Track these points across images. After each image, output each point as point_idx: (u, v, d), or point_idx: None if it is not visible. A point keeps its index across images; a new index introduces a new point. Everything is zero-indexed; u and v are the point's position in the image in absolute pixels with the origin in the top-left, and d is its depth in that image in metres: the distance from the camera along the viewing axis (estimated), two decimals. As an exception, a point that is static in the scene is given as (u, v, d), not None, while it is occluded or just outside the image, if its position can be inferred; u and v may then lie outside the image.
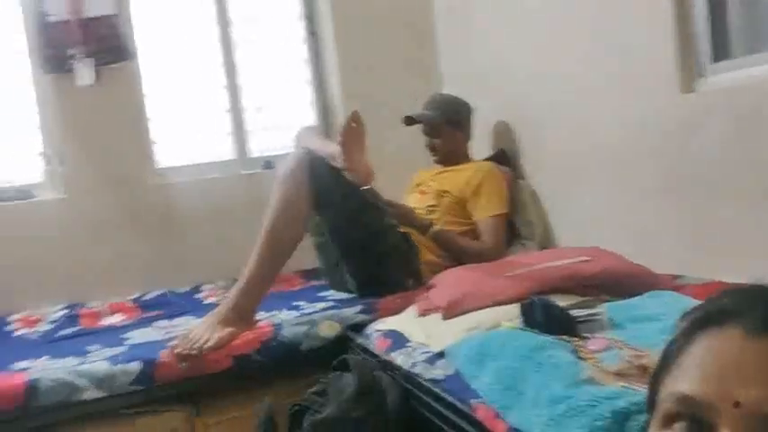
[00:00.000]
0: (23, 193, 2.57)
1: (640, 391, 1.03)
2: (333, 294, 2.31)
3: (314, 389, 1.68)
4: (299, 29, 3.02)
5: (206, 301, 2.49)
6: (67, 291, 2.51)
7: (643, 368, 1.12)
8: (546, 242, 2.47)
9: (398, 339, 1.73)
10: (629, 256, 1.84)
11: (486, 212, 2.36)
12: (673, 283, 1.77)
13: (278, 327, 1.94)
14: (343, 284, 2.29)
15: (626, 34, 2.00)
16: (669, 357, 0.55)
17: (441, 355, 1.51)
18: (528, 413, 1.09)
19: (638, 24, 1.95)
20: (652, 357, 1.15)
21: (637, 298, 1.58)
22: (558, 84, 2.31)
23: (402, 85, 2.93)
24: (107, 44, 2.50)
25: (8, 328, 2.32)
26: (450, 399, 1.35)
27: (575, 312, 1.48)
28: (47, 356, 1.92)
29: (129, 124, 2.67)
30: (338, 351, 1.84)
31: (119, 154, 2.64)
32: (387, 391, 1.58)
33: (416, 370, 1.52)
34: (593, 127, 2.18)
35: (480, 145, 2.69)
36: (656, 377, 0.56)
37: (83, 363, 1.81)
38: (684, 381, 0.51)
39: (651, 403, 0.56)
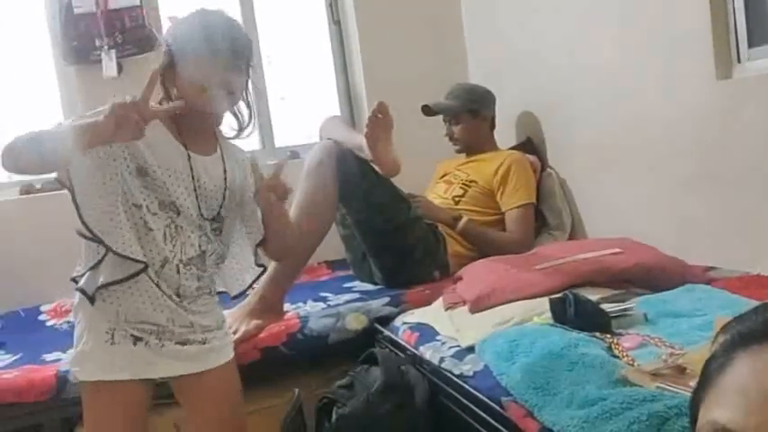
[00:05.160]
0: (54, 185, 2.58)
1: (677, 392, 1.01)
2: (359, 285, 2.30)
3: (341, 382, 1.67)
4: (323, 17, 2.98)
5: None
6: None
7: (680, 368, 1.09)
8: (575, 232, 2.43)
9: (426, 333, 1.72)
10: (661, 246, 1.81)
11: (513, 203, 2.33)
12: (706, 276, 1.73)
13: (305, 319, 1.93)
14: (370, 276, 2.27)
15: (660, 20, 1.94)
16: (708, 377, 0.50)
17: (469, 349, 1.50)
18: (561, 413, 1.07)
19: (673, 10, 1.89)
20: (689, 356, 1.13)
21: (670, 292, 1.55)
22: (588, 72, 2.26)
23: (428, 74, 2.88)
24: (131, 36, 2.50)
25: (40, 318, 2.35)
26: (479, 395, 1.33)
27: (607, 307, 1.46)
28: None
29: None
30: (366, 343, 1.84)
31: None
32: (414, 385, 1.56)
33: (445, 365, 1.51)
34: (625, 115, 2.13)
35: (507, 133, 2.65)
36: (695, 397, 0.52)
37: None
38: (722, 408, 0.47)
39: (693, 422, 0.52)
